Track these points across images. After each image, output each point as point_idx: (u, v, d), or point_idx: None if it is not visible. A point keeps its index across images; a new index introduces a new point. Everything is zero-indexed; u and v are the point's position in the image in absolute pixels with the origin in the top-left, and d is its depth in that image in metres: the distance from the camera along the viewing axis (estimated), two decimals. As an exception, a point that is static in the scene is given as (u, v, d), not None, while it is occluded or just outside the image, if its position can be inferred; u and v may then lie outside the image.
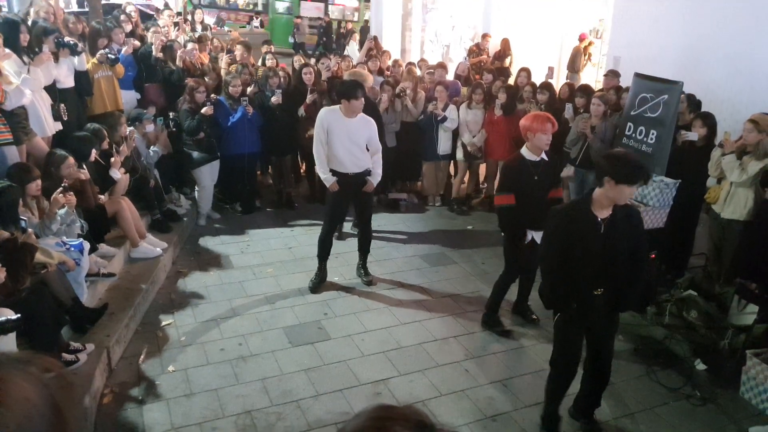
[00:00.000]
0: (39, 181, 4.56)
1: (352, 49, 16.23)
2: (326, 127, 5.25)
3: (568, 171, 6.83)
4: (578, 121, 6.46)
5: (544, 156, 4.66)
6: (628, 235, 3.48)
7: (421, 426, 0.87)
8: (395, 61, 9.23)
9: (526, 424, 3.98)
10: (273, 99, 7.07)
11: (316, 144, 5.35)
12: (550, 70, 9.43)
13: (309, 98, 7.19)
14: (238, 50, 8.27)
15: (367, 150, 5.45)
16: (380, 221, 7.23)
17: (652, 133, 5.75)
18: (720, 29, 7.35)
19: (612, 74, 7.56)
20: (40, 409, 0.93)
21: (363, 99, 5.23)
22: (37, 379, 0.96)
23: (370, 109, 6.21)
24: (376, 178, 5.52)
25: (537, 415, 4.03)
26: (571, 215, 3.54)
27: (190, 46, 7.93)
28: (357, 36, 18.95)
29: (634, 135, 5.96)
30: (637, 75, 6.09)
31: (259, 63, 8.43)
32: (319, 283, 5.67)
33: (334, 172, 5.37)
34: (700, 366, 4.68)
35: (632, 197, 3.40)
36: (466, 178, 8.17)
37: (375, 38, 9.79)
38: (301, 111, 7.26)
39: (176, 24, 9.71)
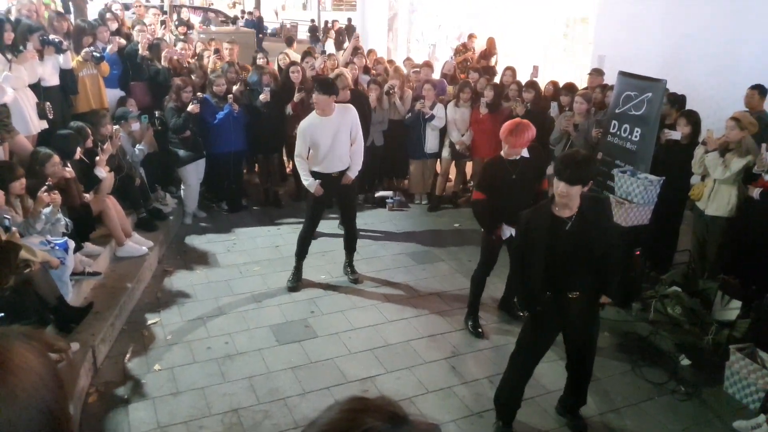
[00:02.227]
0: (23, 180, 4.52)
1: (329, 48, 16.23)
2: (308, 138, 5.26)
3: (552, 168, 6.88)
4: (561, 119, 6.51)
5: (524, 153, 4.65)
6: (601, 228, 3.49)
7: (394, 417, 0.87)
8: (377, 59, 9.24)
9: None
10: (261, 97, 7.06)
11: (297, 157, 5.37)
12: (535, 69, 9.50)
13: (297, 96, 7.19)
14: (227, 48, 8.21)
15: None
16: (367, 219, 7.24)
17: (637, 131, 5.80)
18: (702, 27, 7.43)
19: (596, 73, 7.62)
20: (45, 380, 0.93)
21: (326, 95, 5.17)
22: (40, 351, 0.97)
23: (360, 102, 6.24)
24: (354, 169, 5.50)
25: (524, 410, 4.05)
26: (531, 218, 3.54)
27: (180, 45, 7.89)
28: (333, 34, 18.94)
29: (618, 133, 6.00)
30: (622, 73, 6.14)
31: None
32: (298, 282, 5.67)
33: (316, 174, 5.37)
34: (685, 361, 4.72)
35: (563, 192, 3.35)
36: (452, 177, 8.20)
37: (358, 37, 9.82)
38: (289, 109, 7.25)
39: (163, 23, 9.66)
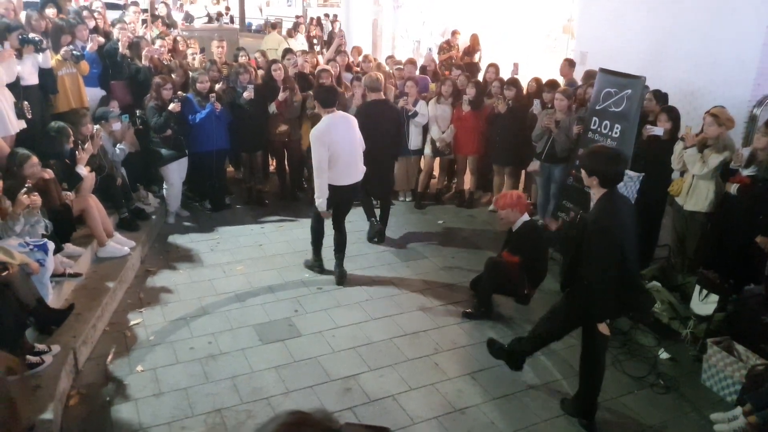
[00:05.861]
0: (0, 182, 4.47)
1: (300, 42, 16.06)
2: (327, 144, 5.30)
3: (534, 165, 6.93)
4: (543, 116, 6.55)
5: (517, 227, 5.28)
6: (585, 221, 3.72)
7: (329, 431, 0.89)
8: (365, 56, 9.24)
9: (494, 415, 4.03)
10: (245, 94, 7.04)
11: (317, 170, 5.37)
12: (516, 66, 9.54)
13: (281, 95, 7.17)
14: (217, 47, 8.13)
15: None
16: (351, 216, 7.18)
17: (617, 127, 5.85)
18: (682, 24, 7.49)
19: (567, 63, 7.85)
20: None
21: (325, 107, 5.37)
22: None
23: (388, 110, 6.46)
24: None
25: (505, 406, 4.11)
26: None
27: (158, 43, 7.82)
28: (303, 28, 18.67)
29: (599, 129, 6.05)
30: (602, 70, 6.18)
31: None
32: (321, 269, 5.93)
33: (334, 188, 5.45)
34: (664, 355, 4.78)
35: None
36: (436, 173, 8.22)
37: (340, 32, 9.81)
38: (272, 107, 7.23)
39: (144, 21, 9.55)
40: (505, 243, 5.44)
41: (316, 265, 5.90)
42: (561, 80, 7.93)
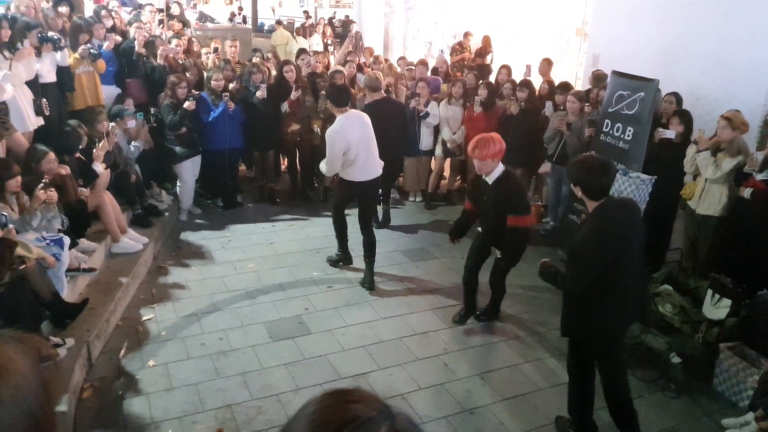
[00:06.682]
0: (19, 177, 4.53)
1: (315, 42, 16.16)
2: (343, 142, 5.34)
3: (545, 167, 6.93)
4: (555, 118, 6.55)
5: (494, 177, 4.58)
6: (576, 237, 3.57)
7: (383, 410, 0.89)
8: (376, 57, 9.27)
9: (504, 416, 4.04)
10: (258, 93, 7.09)
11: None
12: (528, 68, 9.55)
13: (294, 94, 7.21)
14: (230, 46, 8.19)
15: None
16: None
17: (629, 130, 5.83)
18: (695, 27, 7.46)
19: (596, 80, 7.71)
20: (31, 384, 0.94)
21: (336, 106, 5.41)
22: (28, 355, 0.98)
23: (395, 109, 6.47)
24: None
25: (515, 407, 4.11)
26: None
27: (174, 42, 7.90)
28: (320, 28, 18.72)
29: (611, 132, 6.03)
30: (615, 73, 6.16)
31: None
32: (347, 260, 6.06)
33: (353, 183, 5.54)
34: (675, 359, 4.75)
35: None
36: (447, 174, 8.23)
37: (357, 34, 9.84)
38: (285, 107, 7.27)
39: (161, 21, 9.63)
40: (475, 204, 4.92)
41: (342, 258, 5.96)
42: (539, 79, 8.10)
